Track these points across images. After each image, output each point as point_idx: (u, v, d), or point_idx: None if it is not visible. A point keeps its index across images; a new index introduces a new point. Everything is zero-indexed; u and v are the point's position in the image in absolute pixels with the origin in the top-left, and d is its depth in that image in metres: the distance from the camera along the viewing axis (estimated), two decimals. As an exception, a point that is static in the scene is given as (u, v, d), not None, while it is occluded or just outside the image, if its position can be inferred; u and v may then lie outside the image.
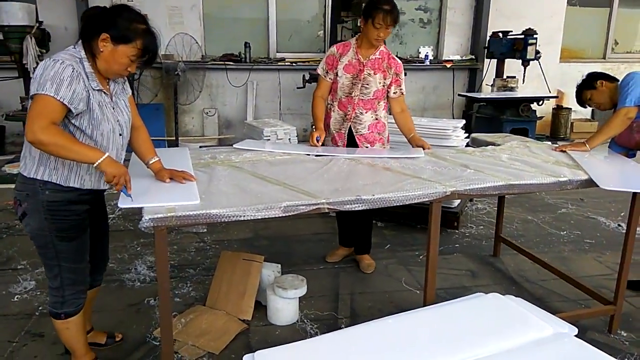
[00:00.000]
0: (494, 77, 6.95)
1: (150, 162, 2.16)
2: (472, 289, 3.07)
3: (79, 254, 2.01)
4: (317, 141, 2.92)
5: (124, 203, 1.85)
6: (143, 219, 1.75)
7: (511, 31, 6.78)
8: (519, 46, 6.47)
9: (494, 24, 7.40)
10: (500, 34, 6.88)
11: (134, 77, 6.34)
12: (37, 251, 1.98)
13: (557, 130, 7.88)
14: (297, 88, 6.37)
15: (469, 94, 7.04)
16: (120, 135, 1.99)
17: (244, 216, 1.86)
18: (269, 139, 5.96)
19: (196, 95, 6.36)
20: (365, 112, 3.03)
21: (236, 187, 2.11)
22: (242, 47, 6.88)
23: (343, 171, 2.41)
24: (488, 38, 7.12)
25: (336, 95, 3.06)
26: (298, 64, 7.08)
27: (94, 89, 1.86)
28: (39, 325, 2.64)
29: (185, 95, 6.31)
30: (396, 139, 3.35)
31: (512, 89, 6.88)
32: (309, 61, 7.18)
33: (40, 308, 2.79)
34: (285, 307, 2.68)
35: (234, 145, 2.86)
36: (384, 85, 3.02)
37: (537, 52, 6.42)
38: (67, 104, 1.75)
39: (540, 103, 6.55)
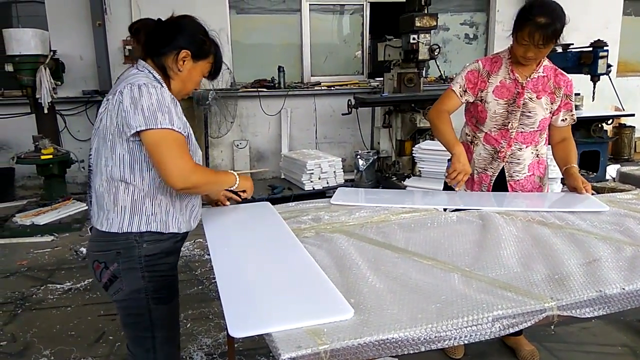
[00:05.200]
0: (553, 95, 6.25)
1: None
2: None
3: (174, 319, 1.69)
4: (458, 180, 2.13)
5: (236, 331, 1.12)
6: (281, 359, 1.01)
7: (572, 44, 6.12)
8: (586, 60, 5.81)
9: (547, 38, 6.73)
10: (559, 48, 6.21)
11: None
12: (125, 321, 1.63)
13: (621, 151, 7.15)
14: (343, 114, 5.67)
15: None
16: None
17: (441, 341, 1.12)
18: (312, 172, 5.31)
19: (228, 127, 5.67)
20: (525, 148, 2.28)
21: (388, 278, 1.37)
22: (274, 72, 6.24)
23: (518, 239, 1.65)
24: (543, 53, 6.44)
25: (481, 127, 2.30)
26: (335, 87, 6.46)
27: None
28: None
29: (216, 127, 5.62)
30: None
31: (576, 107, 6.18)
32: (347, 84, 6.53)
33: None
34: None
35: (332, 202, 2.13)
36: (550, 112, 2.25)
37: (609, 65, 5.75)
38: (183, 134, 1.50)
39: (610, 122, 5.87)
